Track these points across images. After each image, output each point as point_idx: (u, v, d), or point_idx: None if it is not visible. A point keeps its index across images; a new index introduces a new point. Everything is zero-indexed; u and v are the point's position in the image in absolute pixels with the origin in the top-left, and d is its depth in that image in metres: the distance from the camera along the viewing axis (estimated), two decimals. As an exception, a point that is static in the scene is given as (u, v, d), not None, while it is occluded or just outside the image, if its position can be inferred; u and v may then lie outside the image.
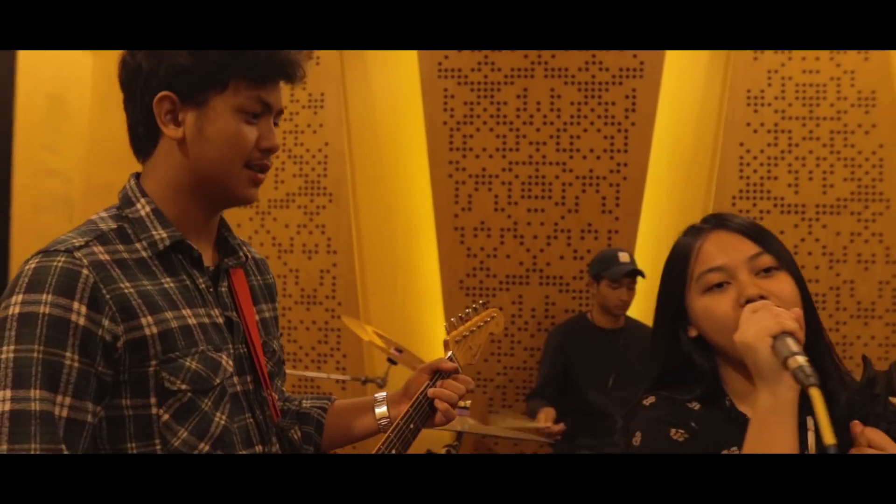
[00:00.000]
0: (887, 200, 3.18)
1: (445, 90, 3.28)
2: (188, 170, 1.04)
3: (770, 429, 0.88)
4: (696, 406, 1.04)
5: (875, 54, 3.17)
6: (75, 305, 0.92)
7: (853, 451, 0.93)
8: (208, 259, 1.09)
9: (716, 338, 1.03)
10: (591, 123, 3.23)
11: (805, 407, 0.88)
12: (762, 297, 0.98)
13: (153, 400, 0.97)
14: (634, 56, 3.20)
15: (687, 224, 1.13)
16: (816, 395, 0.79)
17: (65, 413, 0.89)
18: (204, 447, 0.99)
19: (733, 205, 3.19)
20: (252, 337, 1.09)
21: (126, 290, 0.95)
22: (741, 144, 3.21)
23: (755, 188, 3.20)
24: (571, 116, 3.24)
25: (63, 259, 0.93)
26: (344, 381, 3.25)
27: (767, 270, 1.01)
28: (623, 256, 2.79)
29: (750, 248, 1.02)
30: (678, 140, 3.33)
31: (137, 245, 1.00)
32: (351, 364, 3.31)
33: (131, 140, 1.07)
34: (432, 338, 3.41)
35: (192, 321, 1.01)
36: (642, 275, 2.79)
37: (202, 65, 1.00)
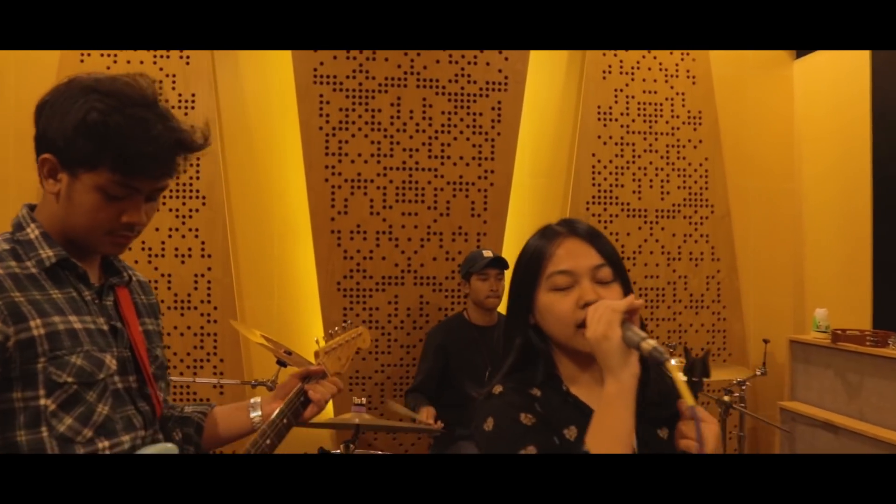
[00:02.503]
0: (712, 206, 3.67)
1: (321, 96, 3.34)
2: (61, 219, 1.20)
3: (615, 411, 1.07)
4: (537, 392, 1.21)
5: (700, 78, 3.64)
6: None
7: (681, 422, 1.15)
8: (94, 277, 1.25)
9: (553, 330, 1.19)
10: (461, 132, 3.44)
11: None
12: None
13: (41, 392, 1.12)
14: (500, 71, 3.45)
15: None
16: (674, 367, 1.00)
17: None
18: (88, 433, 1.15)
19: (587, 209, 3.54)
20: (136, 343, 1.26)
21: (16, 298, 1.12)
22: (593, 155, 3.56)
23: (605, 195, 3.57)
24: (442, 125, 3.42)
25: None
26: (222, 386, 3.23)
27: (606, 282, 1.19)
28: (486, 252, 3.03)
29: (594, 258, 1.19)
30: (539, 150, 3.62)
31: (28, 263, 1.17)
32: (229, 369, 3.29)
33: None
34: (310, 339, 3.47)
35: (77, 326, 1.17)
36: (506, 265, 3.01)
37: (79, 147, 1.13)
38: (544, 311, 1.19)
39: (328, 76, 3.35)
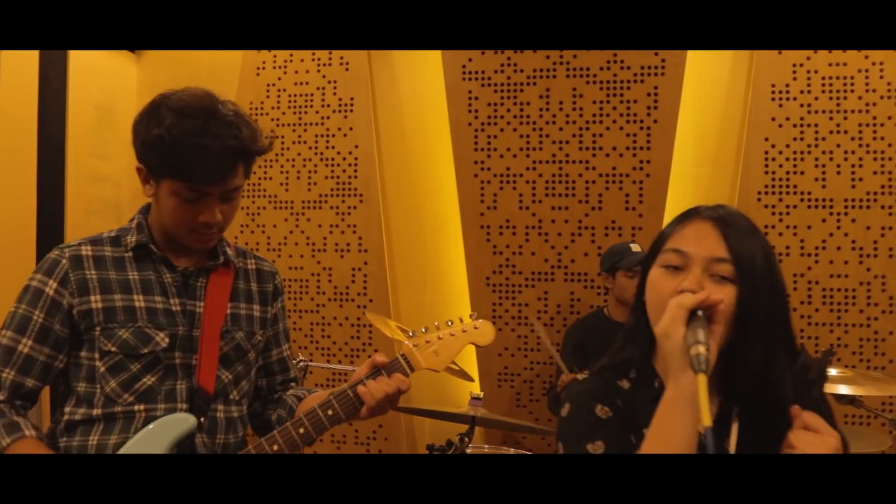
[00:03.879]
0: (919, 193, 3.13)
1: (470, 92, 3.37)
2: (158, 218, 1.40)
3: (670, 418, 0.94)
4: (625, 384, 1.10)
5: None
6: (50, 282, 1.35)
7: (791, 432, 0.99)
8: (188, 262, 1.43)
9: (651, 312, 1.07)
10: (614, 121, 3.27)
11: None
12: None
13: (96, 355, 1.34)
14: (656, 54, 3.22)
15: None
16: (701, 381, 0.86)
17: (25, 350, 1.34)
18: (128, 398, 1.34)
19: (758, 200, 3.19)
20: (208, 324, 1.38)
21: (88, 276, 1.35)
22: (766, 139, 3.20)
23: (781, 183, 3.19)
24: (594, 115, 3.28)
25: (55, 253, 1.38)
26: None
27: (723, 278, 1.03)
28: (635, 247, 2.83)
29: (717, 249, 1.04)
30: (702, 136, 3.34)
31: (122, 247, 1.39)
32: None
33: None
34: (460, 333, 3.51)
35: (139, 304, 1.36)
36: None
37: (151, 159, 1.30)
38: (648, 286, 1.10)
39: (476, 72, 3.36)
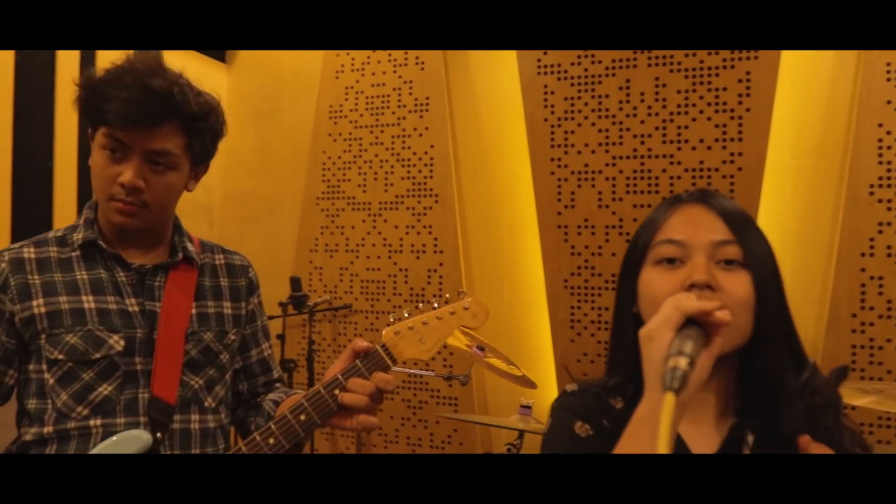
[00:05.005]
0: None
1: (545, 87, 3.23)
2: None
3: (633, 440, 0.80)
4: (619, 403, 0.97)
5: None
6: None
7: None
8: (144, 259, 1.30)
9: (648, 318, 0.90)
10: (701, 112, 3.02)
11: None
12: (709, 288, 0.89)
13: (44, 366, 1.20)
14: (748, 36, 2.95)
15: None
16: (668, 401, 0.71)
17: None
18: (83, 410, 1.18)
19: (871, 194, 2.83)
20: (166, 325, 1.25)
21: (29, 280, 1.22)
22: (880, 125, 2.84)
23: (897, 174, 2.82)
24: (678, 106, 3.05)
25: None
26: (426, 385, 3.32)
27: (730, 262, 0.90)
28: None
29: (721, 232, 0.92)
30: (803, 124, 3.01)
31: (69, 247, 1.27)
32: (456, 359, 3.37)
33: None
34: (538, 336, 3.38)
35: (88, 305, 1.22)
36: None
37: (81, 103, 1.21)
38: (642, 291, 0.95)
39: (552, 66, 3.22)
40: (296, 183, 3.77)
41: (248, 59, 3.96)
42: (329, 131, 3.65)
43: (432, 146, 3.46)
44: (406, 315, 1.26)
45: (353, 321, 3.58)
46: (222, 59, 3.92)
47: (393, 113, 3.53)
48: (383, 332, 1.24)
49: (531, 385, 2.55)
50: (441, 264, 3.44)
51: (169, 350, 1.26)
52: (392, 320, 1.26)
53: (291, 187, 3.81)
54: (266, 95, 3.87)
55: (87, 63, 3.16)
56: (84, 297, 1.23)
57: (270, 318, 3.18)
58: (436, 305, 1.28)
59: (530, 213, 3.35)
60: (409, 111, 3.50)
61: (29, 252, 1.26)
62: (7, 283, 1.22)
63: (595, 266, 3.21)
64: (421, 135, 3.48)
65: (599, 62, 3.15)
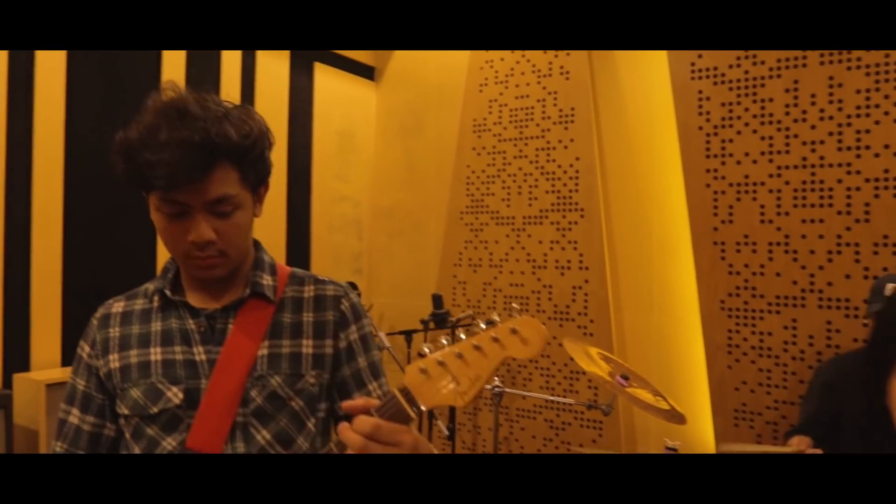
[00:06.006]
0: None
1: (700, 92, 3.00)
2: None
3: None
4: None
5: None
6: (84, 346, 1.24)
7: None
8: (217, 302, 1.21)
9: None
10: (885, 113, 2.66)
11: None
12: None
13: (122, 421, 1.19)
14: (946, 25, 2.55)
15: None
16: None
17: (74, 420, 1.22)
18: None
19: None
20: (221, 371, 1.15)
21: (111, 334, 1.21)
22: None
23: None
24: (857, 108, 2.70)
25: (94, 315, 1.26)
26: (570, 405, 3.18)
27: None
28: (891, 287, 2.23)
29: None
30: None
31: (149, 298, 1.24)
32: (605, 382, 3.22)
33: None
34: (691, 361, 3.15)
35: (155, 357, 1.17)
36: None
37: (119, 170, 1.09)
38: None
39: (708, 69, 2.98)
40: (441, 197, 3.80)
41: (395, 76, 4.05)
42: (473, 145, 3.63)
43: (578, 158, 3.33)
44: (443, 343, 0.96)
45: (496, 337, 3.53)
46: (371, 76, 4.03)
47: (537, 125, 3.44)
48: (407, 369, 0.95)
49: (681, 420, 2.36)
50: (586, 281, 3.30)
51: (218, 398, 1.14)
52: (422, 351, 0.96)
53: (436, 201, 3.84)
54: (412, 110, 3.93)
55: (195, 77, 3.36)
56: (152, 350, 1.17)
57: (412, 332, 3.23)
58: (483, 326, 0.95)
59: (683, 227, 3.13)
60: (554, 123, 3.39)
61: (118, 306, 1.25)
62: (95, 338, 1.22)
63: (756, 287, 2.93)
64: (566, 147, 3.36)
65: (762, 63, 2.87)
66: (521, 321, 0.94)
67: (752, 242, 2.93)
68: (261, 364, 1.17)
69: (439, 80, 3.83)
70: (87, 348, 1.23)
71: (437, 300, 3.14)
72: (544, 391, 3.39)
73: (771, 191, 2.88)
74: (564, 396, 3.32)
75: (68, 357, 2.70)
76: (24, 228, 2.57)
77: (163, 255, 3.04)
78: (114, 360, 1.19)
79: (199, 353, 1.17)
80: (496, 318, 0.95)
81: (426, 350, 0.96)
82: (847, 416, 2.37)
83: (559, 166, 3.38)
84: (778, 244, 2.88)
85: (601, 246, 3.26)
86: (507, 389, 2.49)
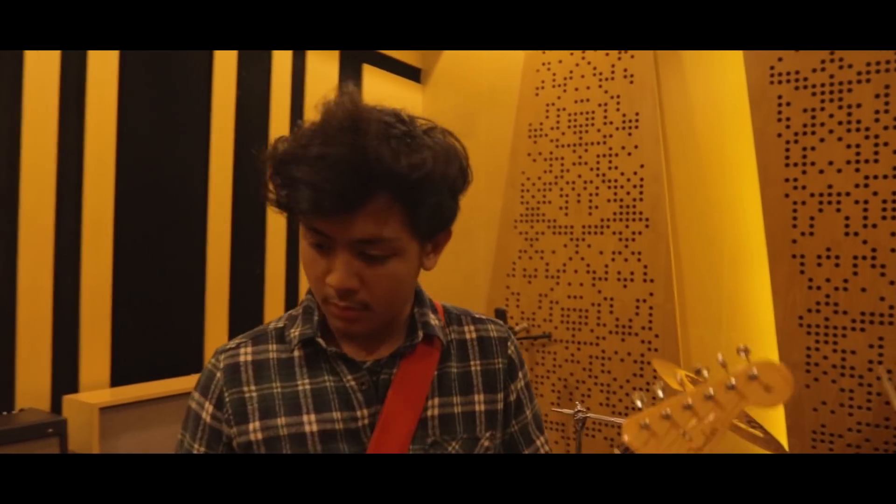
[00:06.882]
0: None
1: (780, 97, 2.85)
2: None
3: None
4: None
5: None
6: (206, 405, 1.00)
7: None
8: (379, 351, 1.00)
9: None
10: None
11: None
12: None
13: None
14: None
15: None
16: None
17: None
18: None
19: None
20: (382, 437, 0.96)
21: (246, 394, 0.97)
22: None
23: None
24: (955, 115, 2.56)
25: (212, 361, 1.02)
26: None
27: None
28: None
29: None
30: None
31: (288, 343, 1.00)
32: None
33: None
34: (765, 379, 3.00)
35: (311, 428, 0.95)
36: None
37: (275, 184, 0.91)
38: None
39: (788, 73, 2.83)
40: (491, 204, 3.65)
41: (443, 79, 3.90)
42: (528, 150, 3.48)
43: (642, 166, 3.18)
44: (659, 394, 0.85)
45: (553, 351, 3.39)
46: (417, 78, 3.88)
47: (598, 130, 3.29)
48: (623, 425, 0.85)
49: (778, 448, 2.22)
50: (651, 294, 3.15)
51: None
52: (636, 403, 0.87)
53: (487, 209, 3.69)
54: (461, 115, 3.78)
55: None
56: (305, 418, 0.96)
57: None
58: (703, 373, 0.84)
59: (757, 239, 2.98)
60: (617, 128, 3.24)
61: (246, 353, 1.01)
62: (222, 398, 0.99)
63: (839, 302, 2.78)
64: (630, 154, 3.21)
65: (850, 66, 2.72)
66: (761, 364, 0.82)
67: (834, 256, 2.78)
68: (432, 427, 0.98)
69: (490, 84, 3.68)
70: (209, 407, 0.99)
71: (501, 315, 2.99)
72: (605, 409, 3.24)
73: (857, 202, 2.73)
74: (626, 416, 3.17)
75: (118, 377, 2.56)
76: (75, 239, 2.43)
77: (216, 273, 2.89)
78: (255, 431, 0.96)
79: (364, 418, 0.97)
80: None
81: (638, 403, 0.85)
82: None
83: (622, 174, 3.23)
84: (864, 258, 2.73)
85: (668, 257, 3.11)
86: (591, 415, 2.35)
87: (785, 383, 0.82)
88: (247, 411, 0.97)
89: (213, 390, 1.00)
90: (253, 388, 0.98)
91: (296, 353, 1.00)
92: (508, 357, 1.07)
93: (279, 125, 3.16)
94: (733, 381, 0.81)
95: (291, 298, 3.23)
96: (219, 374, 1.00)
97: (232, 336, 3.08)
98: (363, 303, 0.92)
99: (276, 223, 3.15)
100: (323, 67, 3.36)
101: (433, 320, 1.04)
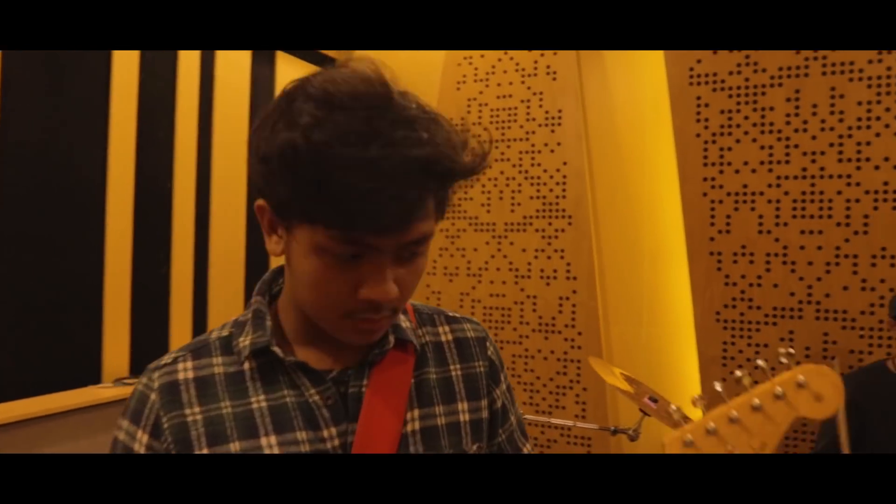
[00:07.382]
0: None
1: (698, 98, 2.92)
2: (292, 291, 0.84)
3: None
4: None
5: None
6: (139, 434, 0.81)
7: None
8: (343, 360, 0.86)
9: None
10: (886, 126, 2.66)
11: None
12: None
13: None
14: (948, 40, 2.57)
15: None
16: None
17: None
18: None
19: None
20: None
21: (189, 418, 0.81)
22: None
23: None
24: (859, 119, 2.70)
25: (143, 381, 0.84)
26: (573, 429, 3.05)
27: None
28: None
29: None
30: None
31: (236, 355, 0.84)
32: (592, 398, 3.09)
33: None
34: (683, 374, 3.08)
35: (271, 452, 0.80)
36: None
37: (279, 189, 0.73)
38: None
39: (707, 75, 2.90)
40: (411, 201, 3.55)
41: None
42: (449, 146, 3.41)
43: (565, 163, 3.18)
44: (701, 406, 0.77)
45: (475, 350, 3.34)
46: (322, 63, 3.72)
47: (521, 127, 3.26)
48: (666, 442, 0.76)
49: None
50: (574, 291, 3.16)
51: None
52: (673, 412, 0.79)
53: (406, 205, 3.59)
54: (378, 107, 3.66)
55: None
56: (264, 441, 0.81)
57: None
58: (744, 381, 0.75)
59: (676, 237, 3.04)
60: (540, 125, 3.22)
61: (185, 369, 0.85)
62: (159, 424, 0.81)
63: (753, 298, 2.88)
64: (552, 151, 3.20)
65: (763, 71, 2.82)
66: (809, 370, 0.74)
67: (749, 253, 2.88)
68: (414, 443, 0.85)
69: (409, 74, 3.56)
70: (143, 437, 0.81)
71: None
72: (529, 408, 3.22)
73: (770, 201, 2.84)
74: (550, 414, 3.17)
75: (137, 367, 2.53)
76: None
77: (116, 273, 2.63)
78: None
79: (332, 438, 0.82)
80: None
81: (675, 414, 0.75)
82: (873, 433, 2.34)
83: (545, 171, 3.21)
84: (776, 255, 2.84)
85: (590, 255, 3.13)
86: (531, 417, 2.30)
87: (835, 391, 0.74)
88: (190, 437, 0.80)
89: (147, 416, 0.82)
90: (197, 409, 0.82)
91: (246, 366, 0.84)
92: (489, 359, 0.95)
93: (186, 104, 2.92)
94: (778, 389, 0.73)
95: (200, 301, 3.00)
96: (153, 396, 0.82)
97: (135, 343, 2.85)
98: (395, 308, 0.79)
99: (182, 217, 2.92)
100: (235, 56, 3.14)
101: (403, 322, 0.90)
